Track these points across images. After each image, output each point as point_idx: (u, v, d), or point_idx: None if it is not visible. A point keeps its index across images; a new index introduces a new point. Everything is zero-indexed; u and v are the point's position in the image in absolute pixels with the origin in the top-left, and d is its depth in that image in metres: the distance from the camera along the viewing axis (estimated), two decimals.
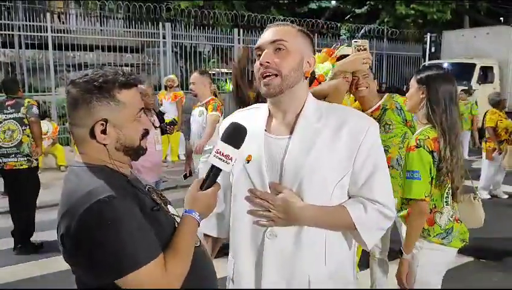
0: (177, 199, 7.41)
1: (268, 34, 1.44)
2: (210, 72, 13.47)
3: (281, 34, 1.43)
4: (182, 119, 8.61)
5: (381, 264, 3.35)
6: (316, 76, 2.50)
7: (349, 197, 1.46)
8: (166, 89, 8.90)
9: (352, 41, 2.72)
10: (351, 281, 1.54)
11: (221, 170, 1.36)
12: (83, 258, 1.19)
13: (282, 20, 10.29)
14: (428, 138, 2.22)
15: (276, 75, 1.40)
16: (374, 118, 3.05)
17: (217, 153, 1.35)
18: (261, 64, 1.42)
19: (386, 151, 3.01)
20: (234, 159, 1.35)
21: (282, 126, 1.48)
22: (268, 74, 1.40)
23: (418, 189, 2.19)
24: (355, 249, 1.58)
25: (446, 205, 2.28)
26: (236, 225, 1.54)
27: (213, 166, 1.37)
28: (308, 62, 1.46)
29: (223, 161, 1.34)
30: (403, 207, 2.36)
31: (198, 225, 1.36)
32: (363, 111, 3.10)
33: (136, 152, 1.36)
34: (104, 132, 1.26)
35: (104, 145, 1.28)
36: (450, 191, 2.29)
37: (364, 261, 3.59)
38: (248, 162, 1.44)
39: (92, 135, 1.27)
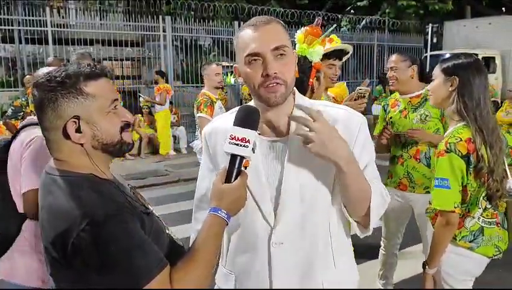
0: (179, 193, 7.37)
1: (264, 38, 1.29)
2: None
3: (278, 37, 1.31)
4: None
5: (390, 256, 3.36)
6: (311, 64, 2.25)
7: None
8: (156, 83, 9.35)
9: (357, 88, 2.69)
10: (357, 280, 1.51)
11: (242, 157, 1.25)
12: (85, 279, 1.11)
13: (282, 13, 10.10)
14: (461, 140, 1.99)
15: (281, 84, 1.31)
16: (412, 105, 3.02)
17: (232, 139, 1.23)
18: (267, 76, 1.29)
19: (416, 143, 2.92)
20: (252, 141, 1.23)
21: (275, 128, 1.40)
22: (275, 84, 1.30)
23: (446, 199, 1.99)
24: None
25: (479, 209, 2.08)
26: (234, 237, 1.46)
27: (232, 155, 1.25)
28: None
29: (240, 145, 1.22)
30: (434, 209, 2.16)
31: (227, 224, 1.25)
32: (400, 94, 3.11)
33: (119, 148, 1.25)
34: (78, 130, 1.17)
35: (81, 145, 1.19)
36: (486, 194, 2.07)
37: (369, 253, 3.58)
38: (245, 168, 1.28)
39: (66, 135, 1.18)
